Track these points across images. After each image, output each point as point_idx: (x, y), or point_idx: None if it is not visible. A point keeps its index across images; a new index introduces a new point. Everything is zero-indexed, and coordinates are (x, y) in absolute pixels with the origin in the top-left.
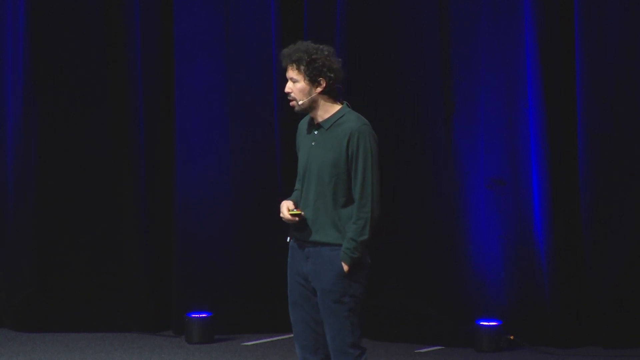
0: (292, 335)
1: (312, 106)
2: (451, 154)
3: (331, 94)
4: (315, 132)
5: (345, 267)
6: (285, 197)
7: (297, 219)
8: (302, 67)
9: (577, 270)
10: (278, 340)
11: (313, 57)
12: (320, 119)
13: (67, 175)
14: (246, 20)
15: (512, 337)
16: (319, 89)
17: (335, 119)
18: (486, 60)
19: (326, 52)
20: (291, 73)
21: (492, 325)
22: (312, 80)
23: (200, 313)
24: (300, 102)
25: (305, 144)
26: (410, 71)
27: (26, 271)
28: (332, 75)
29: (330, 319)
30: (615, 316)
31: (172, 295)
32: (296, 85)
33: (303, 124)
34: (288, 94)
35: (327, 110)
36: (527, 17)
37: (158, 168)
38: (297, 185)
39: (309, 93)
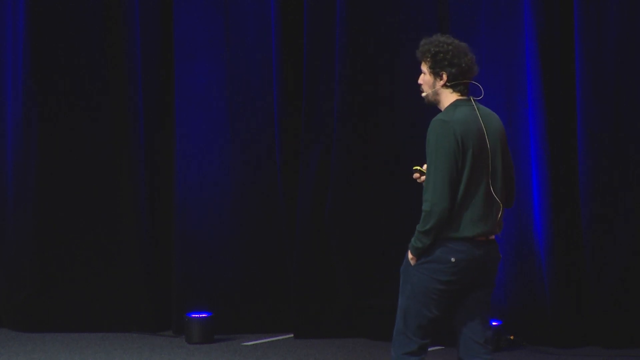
0: (291, 335)
1: (436, 99)
2: None
3: (454, 88)
4: None
5: (409, 255)
6: (284, 198)
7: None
8: (427, 60)
9: (577, 270)
10: (278, 340)
11: (436, 50)
12: None
13: (67, 175)
14: (246, 20)
15: (512, 337)
16: (441, 82)
17: None
18: (486, 60)
19: (451, 47)
20: (422, 65)
21: (492, 325)
22: (435, 73)
23: (200, 313)
24: (425, 94)
25: None
26: (410, 71)
27: (26, 271)
28: (453, 70)
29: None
30: (615, 316)
31: (172, 295)
32: (424, 77)
33: None
34: (420, 85)
35: (445, 105)
36: (527, 17)
37: (158, 168)
38: None
39: (433, 85)
